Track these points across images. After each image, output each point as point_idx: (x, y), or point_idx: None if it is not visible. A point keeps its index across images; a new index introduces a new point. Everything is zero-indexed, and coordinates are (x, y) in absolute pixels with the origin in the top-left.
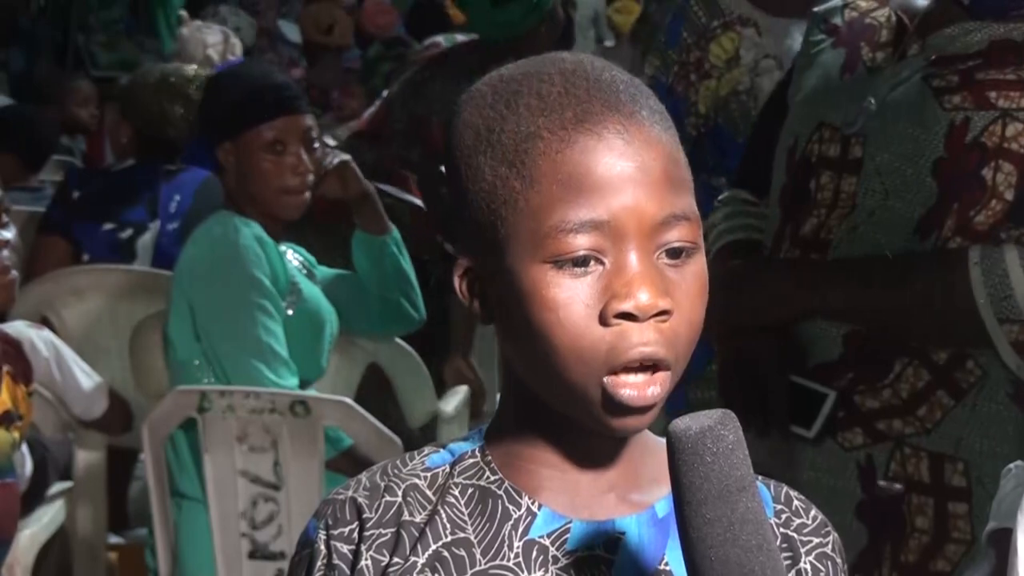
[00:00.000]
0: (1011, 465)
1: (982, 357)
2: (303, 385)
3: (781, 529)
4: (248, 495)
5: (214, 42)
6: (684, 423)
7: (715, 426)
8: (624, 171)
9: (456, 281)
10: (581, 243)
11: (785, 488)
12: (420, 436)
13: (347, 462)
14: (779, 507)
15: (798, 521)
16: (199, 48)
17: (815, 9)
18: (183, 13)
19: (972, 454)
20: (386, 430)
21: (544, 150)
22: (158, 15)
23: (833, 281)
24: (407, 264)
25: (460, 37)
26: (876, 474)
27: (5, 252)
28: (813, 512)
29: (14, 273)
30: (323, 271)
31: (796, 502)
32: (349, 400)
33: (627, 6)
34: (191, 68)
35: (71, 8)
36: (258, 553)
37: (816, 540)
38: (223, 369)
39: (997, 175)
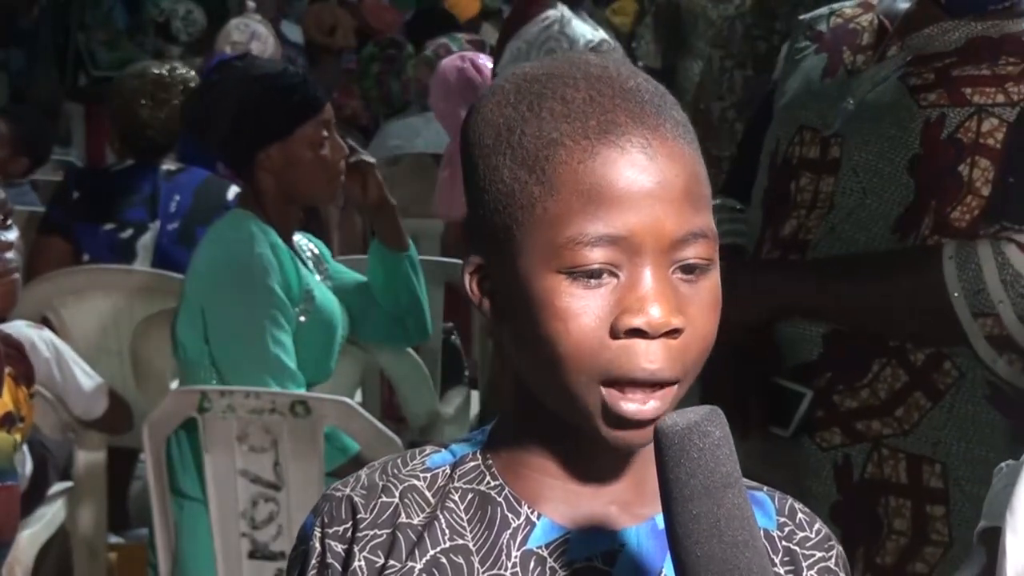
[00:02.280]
0: (1002, 464)
1: (959, 358)
2: (310, 387)
3: (783, 542)
4: (248, 495)
5: (237, 40)
6: (671, 419)
7: (702, 422)
8: (645, 186)
9: (467, 278)
10: (597, 256)
11: (790, 500)
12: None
13: (353, 470)
14: (782, 520)
15: (801, 534)
16: (223, 44)
17: (801, 17)
18: (251, 3)
19: (950, 456)
20: (386, 430)
21: (566, 159)
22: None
23: (810, 280)
24: (419, 285)
25: (461, 36)
26: (853, 474)
27: (8, 254)
28: (817, 525)
29: (17, 276)
30: (339, 270)
31: (800, 515)
32: (349, 400)
33: (624, 6)
34: (158, 68)
35: (71, 8)
36: (258, 553)
37: (819, 554)
38: (230, 378)
39: (973, 171)
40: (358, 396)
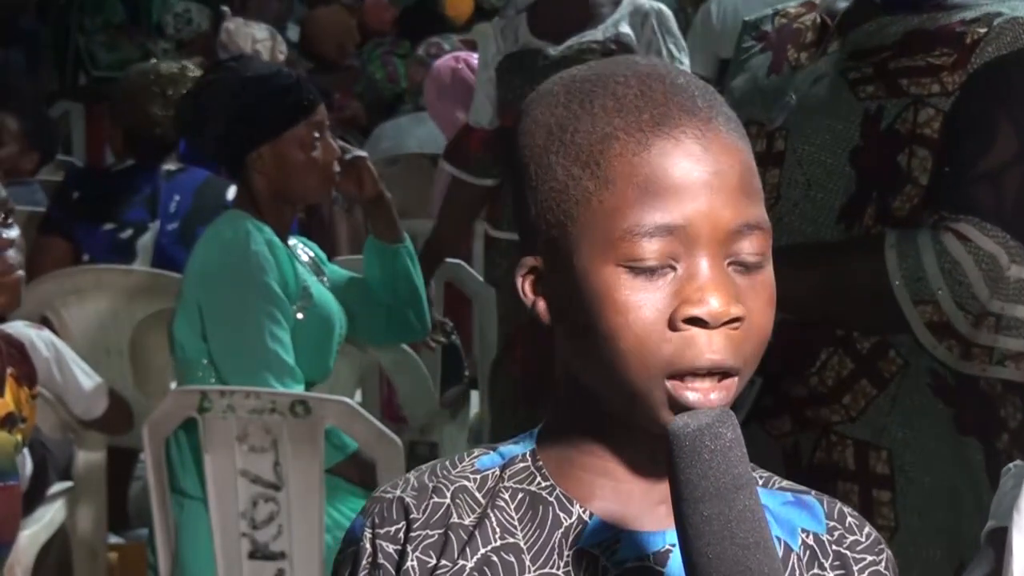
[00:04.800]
0: (1011, 464)
1: (903, 348)
2: (310, 386)
3: (834, 546)
4: (248, 495)
5: (262, 38)
6: (683, 420)
7: (713, 424)
8: (701, 176)
9: (519, 281)
10: (655, 247)
11: (839, 505)
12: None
13: (351, 467)
14: (832, 524)
15: (851, 538)
16: (248, 42)
17: (746, 19)
18: (225, 8)
19: (895, 443)
20: (386, 430)
21: (620, 151)
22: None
23: None
24: (418, 276)
25: (454, 36)
26: (802, 461)
27: (11, 252)
28: (867, 529)
29: (20, 273)
30: (333, 270)
31: (850, 519)
32: (349, 400)
33: None
34: (168, 66)
35: (71, 8)
36: (258, 553)
37: (869, 558)
38: (229, 375)
39: (912, 161)
40: (358, 396)
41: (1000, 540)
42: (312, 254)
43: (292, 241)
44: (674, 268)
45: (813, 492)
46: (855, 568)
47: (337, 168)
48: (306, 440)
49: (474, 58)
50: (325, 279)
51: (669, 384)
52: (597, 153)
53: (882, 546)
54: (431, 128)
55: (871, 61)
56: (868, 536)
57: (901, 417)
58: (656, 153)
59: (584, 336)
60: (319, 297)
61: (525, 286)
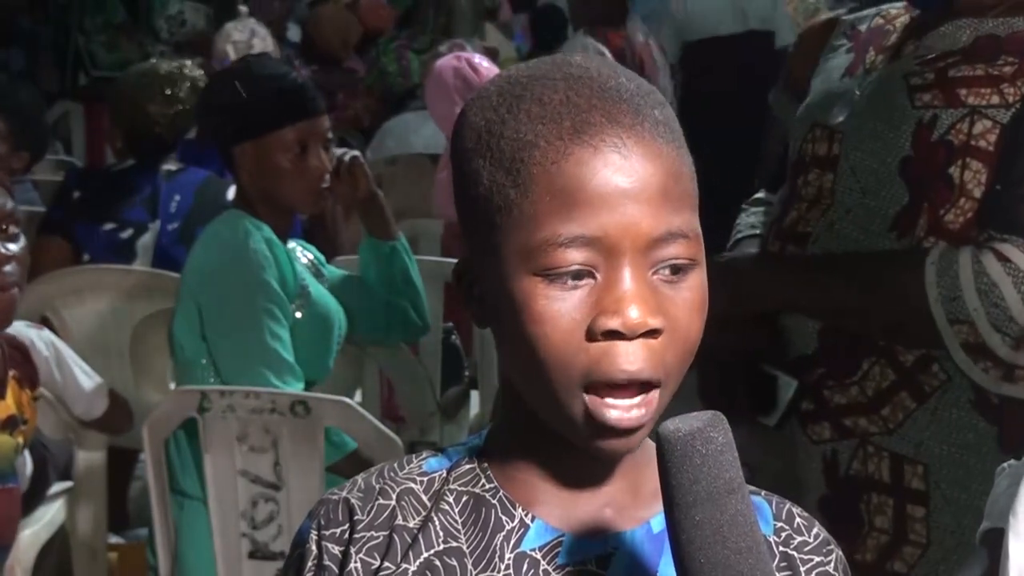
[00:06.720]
0: (1004, 464)
1: (947, 362)
2: (310, 385)
3: (780, 548)
4: (248, 495)
5: (238, 39)
6: (674, 425)
7: (704, 428)
8: (619, 186)
9: (455, 280)
10: (572, 258)
11: (788, 505)
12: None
13: (350, 465)
14: (779, 524)
15: (799, 539)
16: (223, 43)
17: (843, 16)
18: (243, 8)
19: (932, 458)
20: (387, 430)
21: (540, 160)
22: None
23: (800, 275)
24: (415, 271)
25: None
26: (839, 469)
27: (9, 267)
28: (815, 530)
29: (15, 292)
30: (332, 271)
31: (798, 519)
32: (349, 400)
33: None
34: (167, 65)
35: (71, 8)
36: (258, 553)
37: (817, 559)
38: (229, 374)
39: (965, 173)
40: (358, 396)
41: (994, 541)
42: (311, 256)
43: (291, 244)
44: (594, 277)
45: (763, 492)
46: (802, 569)
47: (326, 183)
48: (306, 440)
49: (477, 58)
50: (324, 280)
51: (587, 399)
52: (519, 160)
53: (831, 547)
54: (436, 127)
55: (936, 67)
56: (816, 537)
57: (939, 432)
58: (574, 162)
59: (508, 343)
60: (318, 296)
61: (460, 286)
